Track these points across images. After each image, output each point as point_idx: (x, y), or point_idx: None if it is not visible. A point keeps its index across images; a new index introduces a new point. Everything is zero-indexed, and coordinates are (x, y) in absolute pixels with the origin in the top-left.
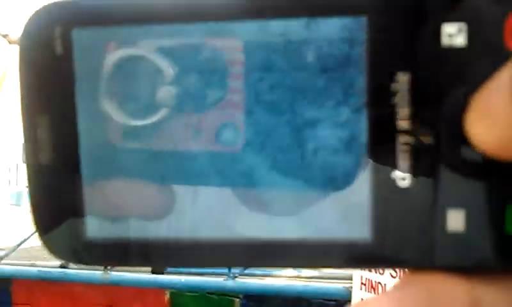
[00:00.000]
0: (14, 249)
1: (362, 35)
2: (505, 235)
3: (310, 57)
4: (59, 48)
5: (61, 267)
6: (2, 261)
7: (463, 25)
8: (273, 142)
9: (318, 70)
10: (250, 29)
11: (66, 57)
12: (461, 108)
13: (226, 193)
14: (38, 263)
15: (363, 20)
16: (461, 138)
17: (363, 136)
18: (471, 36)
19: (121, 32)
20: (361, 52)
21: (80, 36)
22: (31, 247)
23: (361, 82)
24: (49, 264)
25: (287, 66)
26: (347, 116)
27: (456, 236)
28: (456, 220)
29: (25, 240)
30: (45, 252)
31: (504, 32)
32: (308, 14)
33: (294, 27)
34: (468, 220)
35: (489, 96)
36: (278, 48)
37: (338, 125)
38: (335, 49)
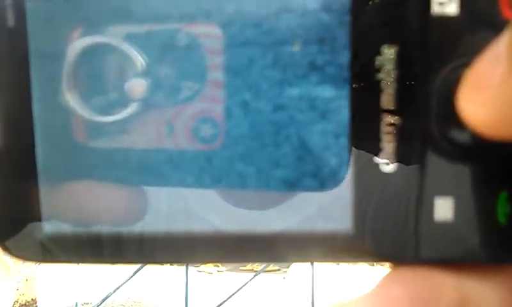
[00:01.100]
0: (98, 305)
1: (344, 4)
2: (497, 225)
3: (290, 29)
4: (11, 20)
5: None
6: None
7: None
8: (254, 133)
9: (298, 44)
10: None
11: (19, 30)
12: (453, 83)
13: (204, 191)
14: None
15: None
16: (451, 118)
17: (345, 116)
18: (463, 3)
19: (87, 9)
20: (343, 22)
21: (36, 8)
22: (113, 301)
23: (343, 56)
24: None
25: (267, 42)
26: (328, 94)
27: (443, 226)
28: (443, 209)
29: (109, 295)
30: None
31: (498, 0)
32: None
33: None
34: (457, 209)
35: (484, 69)
36: (256, 23)
37: (319, 104)
38: (314, 19)
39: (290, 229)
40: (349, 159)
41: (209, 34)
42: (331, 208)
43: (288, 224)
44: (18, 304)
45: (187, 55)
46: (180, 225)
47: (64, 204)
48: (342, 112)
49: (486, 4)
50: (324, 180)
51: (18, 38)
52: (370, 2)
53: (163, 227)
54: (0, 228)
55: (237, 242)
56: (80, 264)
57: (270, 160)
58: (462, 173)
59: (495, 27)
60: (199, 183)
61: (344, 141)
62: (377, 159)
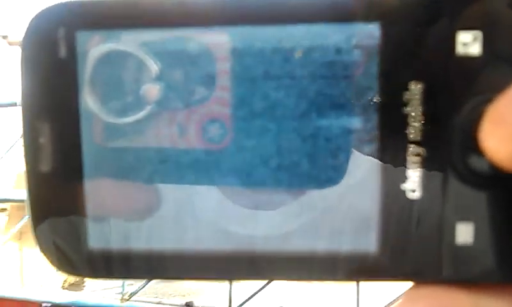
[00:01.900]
0: (143, 286)
1: (375, 42)
2: None
3: (316, 63)
4: (62, 51)
5: (187, 305)
6: (132, 298)
7: (478, 34)
8: (261, 137)
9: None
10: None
11: (70, 60)
12: (475, 118)
13: (216, 193)
14: (164, 300)
15: (376, 27)
16: (473, 150)
17: (373, 146)
18: (486, 44)
19: (120, 33)
20: (373, 59)
21: (84, 38)
22: (157, 283)
23: (372, 90)
24: (175, 302)
25: (285, 72)
26: (357, 124)
27: (464, 249)
28: (464, 233)
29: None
30: (170, 289)
31: None
32: (318, 19)
33: (296, 32)
34: (477, 233)
35: (504, 107)
36: (278, 54)
37: (347, 132)
38: (344, 56)
39: (314, 249)
40: (377, 185)
41: (219, 43)
42: (357, 227)
43: (311, 242)
44: (67, 283)
45: (198, 61)
46: (190, 231)
47: (101, 204)
48: (371, 138)
49: (508, 45)
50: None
51: (68, 66)
52: (398, 42)
53: (172, 229)
54: (44, 235)
55: (257, 258)
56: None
57: (294, 173)
58: (482, 200)
59: None
60: (208, 180)
61: (373, 166)
62: (404, 186)
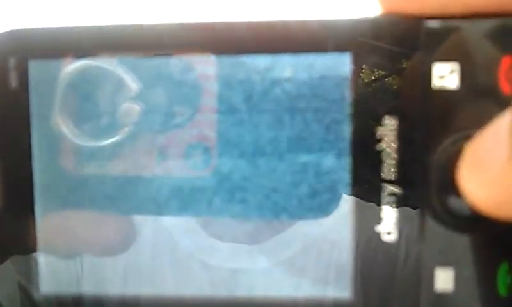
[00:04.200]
0: None
1: (345, 74)
2: (497, 297)
3: (289, 94)
4: (14, 81)
5: None
6: None
7: (455, 66)
8: (247, 162)
9: (298, 108)
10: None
11: (22, 90)
12: (453, 155)
13: (191, 226)
14: None
15: (347, 57)
16: (451, 189)
17: (345, 185)
18: (464, 77)
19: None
20: (343, 92)
21: (37, 68)
22: None
23: (343, 125)
24: None
25: (264, 102)
26: (328, 162)
27: (444, 297)
28: (444, 279)
29: None
30: None
31: (498, 76)
32: (288, 49)
33: (272, 62)
34: (458, 280)
35: (485, 148)
36: (256, 82)
37: (318, 171)
38: (315, 87)
39: (284, 295)
40: (350, 227)
41: (203, 61)
42: (330, 273)
43: (283, 289)
44: None
45: (180, 81)
46: (166, 260)
47: (54, 234)
48: (342, 177)
49: (486, 79)
50: (322, 244)
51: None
52: (371, 74)
53: (148, 263)
54: None
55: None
56: None
57: (263, 190)
58: (462, 243)
59: (495, 101)
60: (189, 211)
61: (345, 207)
62: (378, 228)
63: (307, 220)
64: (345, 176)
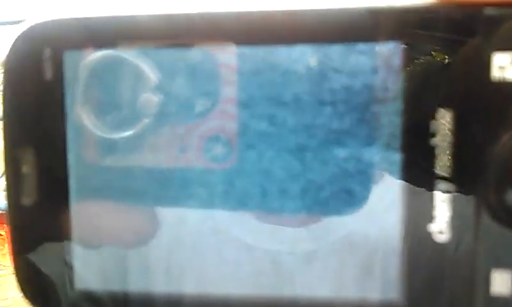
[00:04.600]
0: None
1: (397, 65)
2: None
3: (332, 86)
4: (48, 73)
5: None
6: None
7: None
8: (270, 155)
9: (343, 100)
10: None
11: (56, 82)
12: None
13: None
14: None
15: (399, 47)
16: (510, 186)
17: (396, 182)
18: None
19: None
20: (395, 83)
21: (72, 59)
22: None
23: (395, 118)
24: None
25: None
26: (378, 156)
27: (500, 301)
28: (501, 282)
29: None
30: None
31: None
32: (334, 38)
33: (307, 51)
34: None
35: None
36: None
37: (366, 167)
38: (364, 79)
39: (337, 298)
40: (401, 227)
41: (224, 51)
42: (381, 277)
43: (329, 290)
44: None
45: (201, 71)
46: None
47: (89, 231)
48: (393, 174)
49: None
50: (372, 244)
51: (55, 89)
52: (424, 65)
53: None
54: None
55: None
56: None
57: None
58: None
59: None
60: (211, 203)
61: (395, 205)
62: (430, 227)
63: (348, 217)
64: (396, 171)
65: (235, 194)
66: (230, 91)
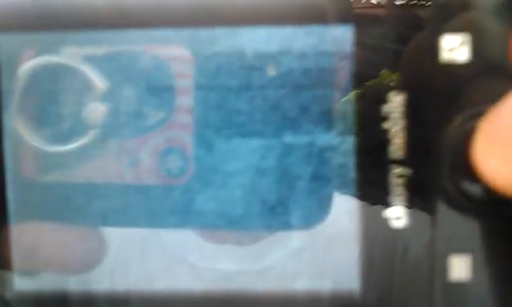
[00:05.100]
0: None
1: (347, 47)
2: None
3: (280, 70)
4: None
5: None
6: None
7: (466, 37)
8: (228, 167)
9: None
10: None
11: None
12: (465, 133)
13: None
14: None
15: (349, 30)
16: (465, 170)
17: (350, 167)
18: (475, 49)
19: (44, 37)
20: (345, 65)
21: (9, 45)
22: None
23: (346, 101)
24: None
25: (249, 80)
26: (329, 143)
27: (459, 286)
28: (459, 267)
29: None
30: None
31: (509, 50)
32: (287, 21)
33: (259, 37)
34: (474, 267)
35: (504, 123)
36: (238, 59)
37: (317, 153)
38: (312, 61)
39: (292, 289)
40: (356, 213)
41: (178, 57)
42: (335, 263)
43: (283, 282)
44: None
45: (152, 78)
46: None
47: (28, 248)
48: (346, 159)
49: (498, 51)
50: (326, 232)
51: None
52: (374, 48)
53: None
54: None
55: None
56: None
57: (257, 205)
58: (478, 228)
59: (507, 76)
60: (164, 223)
61: (349, 191)
62: (387, 213)
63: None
64: (349, 158)
65: (180, 211)
66: (185, 97)
